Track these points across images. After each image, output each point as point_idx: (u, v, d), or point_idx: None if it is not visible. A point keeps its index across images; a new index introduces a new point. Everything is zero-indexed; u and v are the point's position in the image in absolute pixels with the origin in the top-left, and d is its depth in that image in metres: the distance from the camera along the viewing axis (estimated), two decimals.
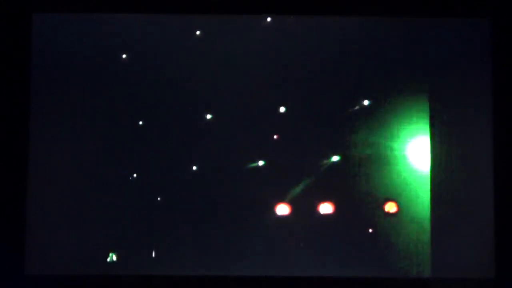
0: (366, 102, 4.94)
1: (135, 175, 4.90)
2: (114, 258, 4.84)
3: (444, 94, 4.91)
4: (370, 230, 4.85)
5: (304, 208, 4.88)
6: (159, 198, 4.88)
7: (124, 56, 4.95)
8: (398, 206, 4.88)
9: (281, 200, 4.88)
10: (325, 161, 4.91)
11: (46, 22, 4.94)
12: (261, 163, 4.91)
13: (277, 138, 4.93)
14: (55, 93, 4.91)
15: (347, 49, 4.95)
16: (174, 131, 4.92)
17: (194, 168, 4.91)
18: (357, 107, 4.94)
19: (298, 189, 4.88)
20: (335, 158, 4.91)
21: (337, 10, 4.92)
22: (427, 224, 4.84)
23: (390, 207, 4.87)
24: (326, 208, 4.88)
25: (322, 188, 4.89)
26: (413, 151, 4.92)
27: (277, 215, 4.87)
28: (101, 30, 4.95)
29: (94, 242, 4.83)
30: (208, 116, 4.95)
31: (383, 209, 4.87)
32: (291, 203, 4.88)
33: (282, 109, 4.96)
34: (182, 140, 4.92)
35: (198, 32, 4.97)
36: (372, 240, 4.85)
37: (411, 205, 4.88)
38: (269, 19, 4.97)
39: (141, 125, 4.92)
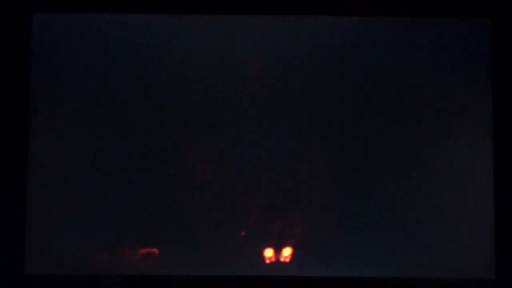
0: (365, 103, 4.94)
1: (135, 175, 4.90)
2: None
3: (443, 94, 4.91)
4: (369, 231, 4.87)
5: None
6: (159, 198, 4.89)
7: (124, 56, 4.94)
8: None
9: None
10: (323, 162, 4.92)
11: (46, 22, 4.94)
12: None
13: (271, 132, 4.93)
14: (55, 93, 4.91)
15: (345, 49, 4.95)
16: (175, 132, 4.92)
17: (194, 168, 4.91)
18: (356, 108, 4.95)
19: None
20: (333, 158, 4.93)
21: (336, 10, 4.92)
22: (427, 224, 4.85)
23: None
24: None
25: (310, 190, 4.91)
26: (408, 153, 4.92)
27: None
28: (101, 30, 4.94)
29: (94, 242, 4.83)
30: (209, 117, 4.95)
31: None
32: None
33: (285, 109, 4.97)
34: (182, 141, 4.92)
35: (199, 32, 4.97)
36: (371, 240, 4.85)
37: (409, 205, 4.88)
38: (271, 18, 4.98)
39: (141, 125, 4.92)
